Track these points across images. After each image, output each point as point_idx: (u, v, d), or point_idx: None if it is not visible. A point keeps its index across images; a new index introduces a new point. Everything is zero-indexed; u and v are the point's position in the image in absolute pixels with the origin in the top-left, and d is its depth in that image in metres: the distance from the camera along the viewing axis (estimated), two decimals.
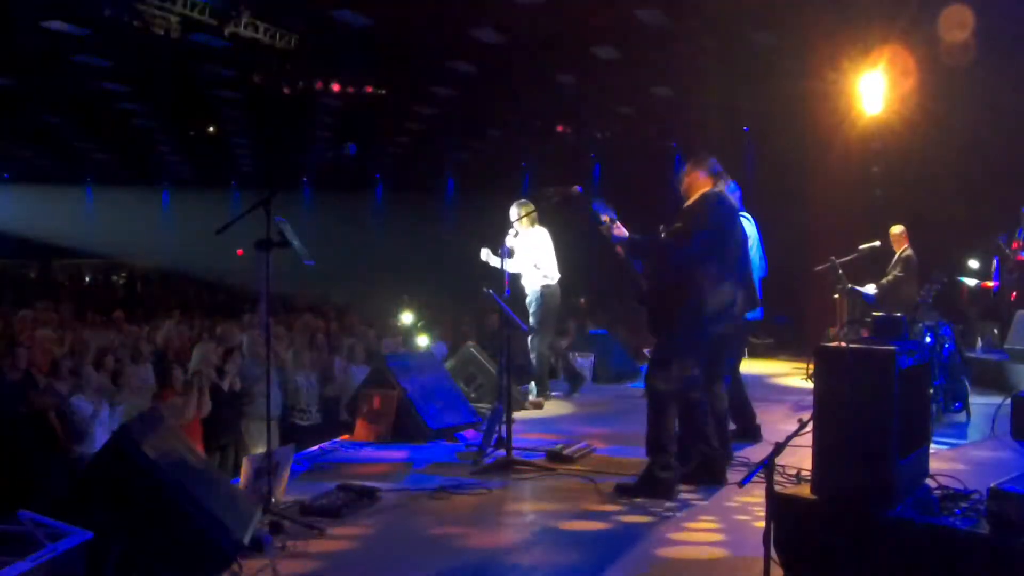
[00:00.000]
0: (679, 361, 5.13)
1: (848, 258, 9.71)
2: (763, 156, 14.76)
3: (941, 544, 3.18)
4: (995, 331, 10.42)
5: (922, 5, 9.13)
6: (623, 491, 5.05)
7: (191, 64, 13.28)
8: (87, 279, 29.44)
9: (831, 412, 3.53)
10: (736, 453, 5.81)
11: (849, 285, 9.63)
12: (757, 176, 14.29)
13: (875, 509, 3.35)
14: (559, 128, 17.80)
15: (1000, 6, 9.02)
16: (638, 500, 4.92)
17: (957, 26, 9.20)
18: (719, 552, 4.16)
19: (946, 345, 7.49)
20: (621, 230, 5.19)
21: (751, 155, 15.04)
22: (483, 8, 10.87)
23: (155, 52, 12.22)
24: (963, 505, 3.34)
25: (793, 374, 10.62)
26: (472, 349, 8.44)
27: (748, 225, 6.27)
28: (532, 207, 7.91)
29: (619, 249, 5.29)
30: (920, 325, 7.31)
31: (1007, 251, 10.02)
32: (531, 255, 8.14)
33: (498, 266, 7.90)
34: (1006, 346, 9.37)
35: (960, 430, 7.13)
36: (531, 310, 8.28)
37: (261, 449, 4.91)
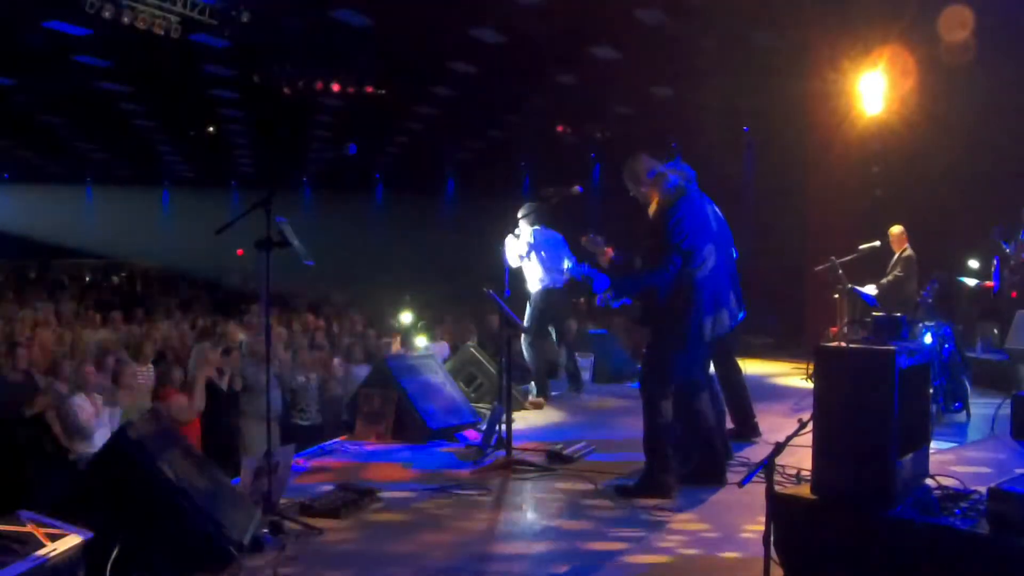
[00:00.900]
0: (679, 368, 5.12)
1: (848, 258, 9.71)
2: (763, 156, 14.76)
3: (941, 544, 3.18)
4: (995, 331, 10.41)
5: (922, 5, 9.14)
6: (623, 491, 5.05)
7: (191, 64, 13.28)
8: (87, 279, 29.44)
9: (831, 412, 3.53)
10: (736, 453, 5.80)
11: (849, 285, 9.63)
12: (757, 176, 14.31)
13: (875, 509, 3.35)
14: (559, 128, 17.80)
15: (1000, 6, 9.02)
16: (638, 500, 4.92)
17: (957, 26, 9.20)
18: (719, 552, 4.16)
19: (946, 345, 7.48)
20: (601, 279, 5.12)
21: (751, 155, 15.04)
22: (483, 8, 10.87)
23: (155, 52, 12.22)
24: (963, 505, 3.34)
25: (793, 374, 10.61)
26: (472, 349, 8.43)
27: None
28: (533, 208, 7.94)
29: (606, 296, 5.22)
30: (920, 325, 7.31)
31: (1007, 250, 10.01)
32: (524, 257, 8.14)
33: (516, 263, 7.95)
34: (1006, 346, 9.36)
35: (960, 430, 7.13)
36: (528, 312, 8.31)
37: (261, 449, 4.92)
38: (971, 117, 10.96)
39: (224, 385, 8.46)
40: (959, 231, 11.57)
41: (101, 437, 6.85)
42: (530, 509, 5.00)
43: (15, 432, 7.11)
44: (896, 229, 10.14)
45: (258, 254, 4.59)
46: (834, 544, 3.45)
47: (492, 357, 8.10)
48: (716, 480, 5.21)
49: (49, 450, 7.17)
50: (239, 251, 21.07)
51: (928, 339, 7.23)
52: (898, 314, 4.28)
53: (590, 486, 5.27)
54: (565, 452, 5.96)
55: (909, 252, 10.06)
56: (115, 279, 29.24)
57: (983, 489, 3.24)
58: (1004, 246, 9.96)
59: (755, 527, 3.65)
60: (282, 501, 4.68)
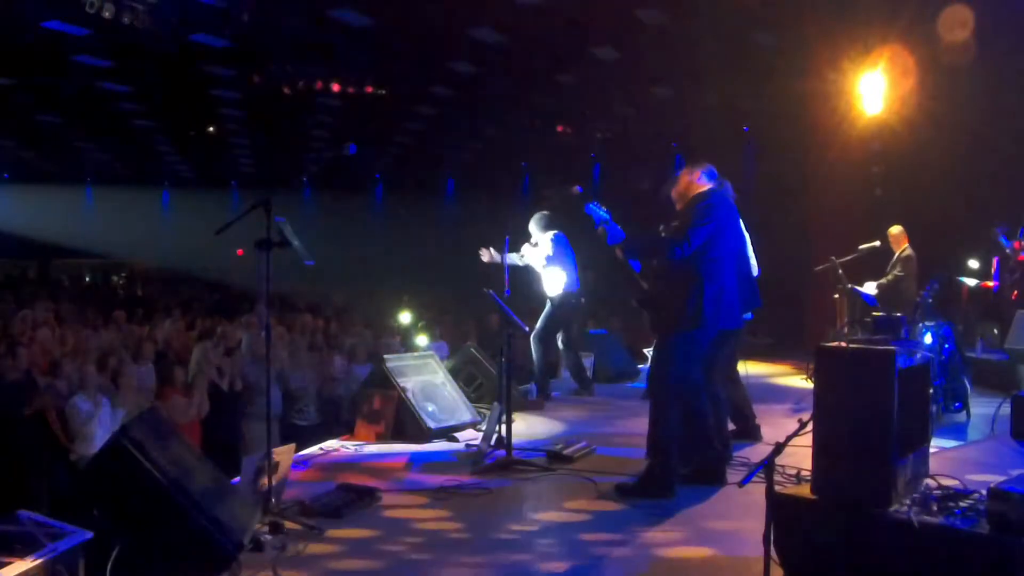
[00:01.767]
0: (681, 360, 5.13)
1: (848, 258, 9.72)
2: (763, 156, 14.76)
3: (941, 544, 3.18)
4: (995, 331, 10.42)
5: (922, 5, 9.13)
6: (623, 491, 5.05)
7: (191, 64, 13.28)
8: (87, 279, 29.46)
9: (831, 412, 3.54)
10: (736, 453, 5.80)
11: (849, 285, 9.63)
12: (757, 176, 14.31)
13: (875, 509, 3.35)
14: (559, 128, 17.80)
15: (1000, 6, 9.02)
16: (638, 500, 4.92)
17: (957, 26, 9.20)
18: (719, 552, 4.16)
19: (946, 345, 7.49)
20: (616, 232, 5.18)
21: (751, 155, 15.04)
22: (483, 8, 10.86)
23: (155, 52, 12.22)
24: (963, 505, 3.34)
25: (793, 374, 10.62)
26: (472, 349, 8.44)
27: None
28: (545, 216, 8.03)
29: (616, 251, 5.27)
30: (920, 325, 7.31)
31: (1007, 250, 10.01)
32: (546, 262, 8.24)
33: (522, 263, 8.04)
34: (1006, 346, 9.36)
35: (960, 430, 7.13)
36: (543, 313, 8.39)
37: (261, 449, 4.91)
38: (971, 117, 10.97)
39: (225, 385, 8.47)
40: (959, 231, 11.57)
41: (101, 437, 6.86)
42: (530, 509, 5.00)
43: (15, 432, 7.12)
44: (895, 229, 10.15)
45: (258, 254, 4.59)
46: (834, 544, 3.45)
47: (492, 357, 8.11)
48: (716, 480, 5.22)
49: (49, 450, 7.18)
50: (239, 251, 21.07)
51: (928, 339, 7.23)
52: (898, 314, 4.29)
53: (590, 485, 5.27)
54: (565, 452, 5.96)
55: (909, 252, 10.07)
56: (115, 279, 29.28)
57: (983, 489, 3.24)
58: (1004, 242, 9.95)
59: (755, 527, 3.65)
60: (282, 501, 4.68)
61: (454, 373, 7.84)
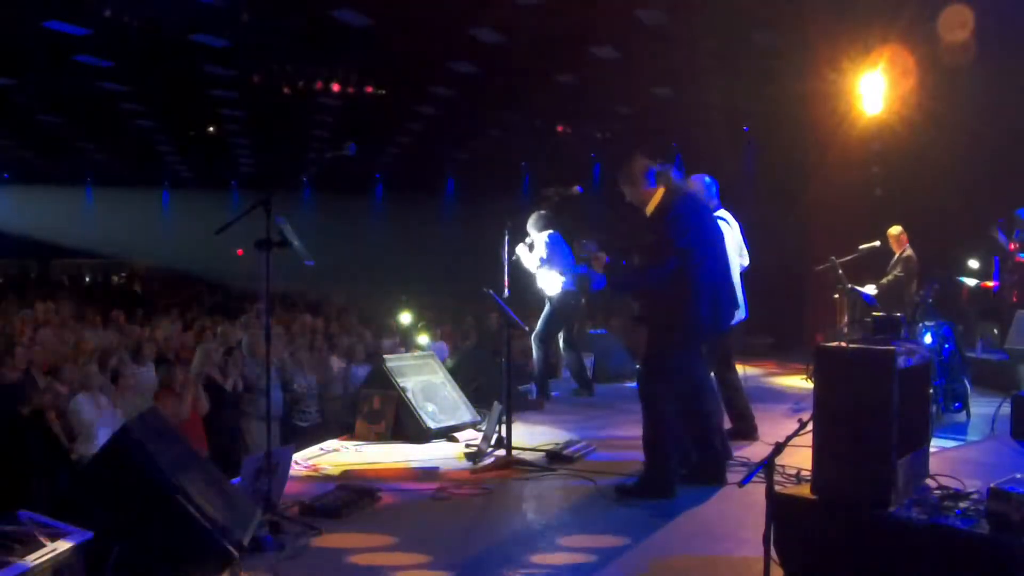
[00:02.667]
0: (677, 367, 5.12)
1: (848, 258, 9.71)
2: (763, 156, 14.76)
3: (941, 544, 3.18)
4: (995, 331, 10.42)
5: (922, 5, 9.13)
6: (623, 492, 5.05)
7: (191, 64, 13.28)
8: (87, 279, 29.45)
9: (831, 412, 3.54)
10: (736, 453, 5.80)
11: (849, 285, 9.63)
12: (757, 176, 14.31)
13: (875, 509, 3.35)
14: (559, 128, 17.80)
15: (1000, 6, 9.02)
16: (638, 500, 4.92)
17: (957, 26, 9.20)
18: (719, 552, 4.16)
19: (946, 345, 7.49)
20: (598, 280, 5.12)
21: (751, 155, 15.04)
22: (483, 8, 10.86)
23: (155, 52, 12.23)
24: (963, 505, 3.34)
25: (793, 374, 10.62)
26: (472, 349, 8.45)
27: (724, 224, 6.26)
28: (542, 216, 8.03)
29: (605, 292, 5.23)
30: (920, 325, 7.31)
31: (1006, 250, 10.01)
32: (540, 262, 8.24)
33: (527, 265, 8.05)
34: (1006, 346, 9.36)
35: (960, 430, 7.13)
36: (543, 312, 8.39)
37: (261, 449, 4.92)
38: (971, 117, 10.97)
39: (228, 385, 8.47)
40: (959, 231, 11.57)
41: (102, 437, 6.85)
42: (530, 509, 5.00)
43: (15, 432, 7.11)
44: (895, 229, 10.14)
45: (258, 254, 4.59)
46: (834, 544, 3.45)
47: (492, 357, 8.11)
48: (716, 480, 5.21)
49: (49, 450, 7.17)
50: (239, 251, 21.06)
51: (928, 339, 7.24)
52: (898, 314, 4.29)
53: (590, 486, 5.27)
54: (565, 452, 5.96)
55: (909, 252, 10.07)
56: (115, 279, 29.28)
57: (983, 489, 3.24)
58: (1001, 237, 9.94)
59: (755, 527, 3.65)
60: (282, 501, 4.68)
61: (454, 373, 7.84)
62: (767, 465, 3.31)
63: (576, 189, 6.37)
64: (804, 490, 3.67)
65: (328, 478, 5.51)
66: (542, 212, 8.31)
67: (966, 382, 7.72)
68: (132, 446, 3.81)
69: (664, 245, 4.96)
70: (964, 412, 7.53)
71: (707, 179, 6.38)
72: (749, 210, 6.50)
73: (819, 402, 3.57)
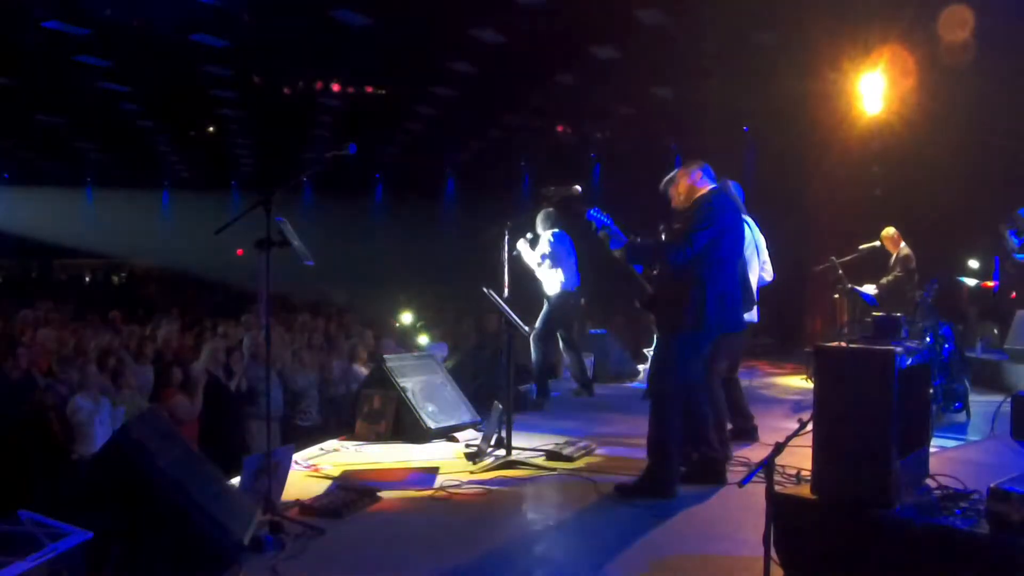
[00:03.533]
0: (683, 361, 5.12)
1: (848, 258, 9.72)
2: (763, 156, 14.75)
3: (941, 544, 3.18)
4: (995, 331, 10.42)
5: (922, 5, 9.13)
6: (623, 491, 5.05)
7: (191, 64, 13.28)
8: (87, 279, 29.45)
9: (831, 412, 3.54)
10: (736, 453, 5.80)
11: (849, 285, 9.64)
12: (757, 176, 14.29)
13: (875, 509, 3.35)
14: (559, 128, 17.80)
15: (1000, 6, 9.01)
16: (638, 500, 4.92)
17: (957, 26, 9.19)
18: (719, 552, 4.16)
19: (946, 345, 7.49)
20: (618, 236, 5.17)
21: (751, 155, 15.03)
22: (483, 8, 10.86)
23: (155, 52, 12.23)
24: (963, 505, 3.34)
25: (793, 374, 10.62)
26: (472, 349, 8.45)
27: (747, 229, 6.27)
28: (550, 212, 8.04)
29: (619, 255, 5.26)
30: (920, 325, 7.31)
31: (1017, 246, 9.98)
32: (541, 260, 8.25)
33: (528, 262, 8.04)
34: (1006, 346, 9.37)
35: (960, 430, 7.13)
36: (542, 312, 8.39)
37: (261, 449, 4.92)
38: (971, 117, 10.97)
39: (232, 385, 8.48)
40: (959, 231, 11.58)
41: (101, 437, 6.85)
42: (530, 509, 5.00)
43: (15, 432, 7.11)
44: (889, 231, 10.12)
45: (258, 254, 4.59)
46: (834, 544, 3.45)
47: (492, 357, 8.11)
48: (716, 480, 5.22)
49: (49, 450, 7.17)
50: (239, 251, 21.05)
51: (928, 339, 7.23)
52: (898, 314, 4.28)
53: (590, 486, 5.27)
54: (565, 452, 5.95)
55: (906, 251, 10.07)
56: (115, 279, 29.28)
57: (983, 489, 3.24)
58: (1011, 237, 9.91)
59: (755, 527, 3.65)
60: (282, 501, 4.68)
61: (454, 373, 7.84)
62: (767, 465, 3.31)
63: (576, 189, 6.37)
64: (804, 490, 3.67)
65: (328, 478, 5.51)
66: (550, 210, 8.28)
67: (966, 382, 7.72)
68: (132, 446, 3.82)
69: (689, 230, 4.99)
70: (964, 412, 7.53)
71: (735, 185, 6.38)
72: (749, 210, 6.49)
73: (819, 402, 3.57)
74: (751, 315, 6.22)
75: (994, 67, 10.10)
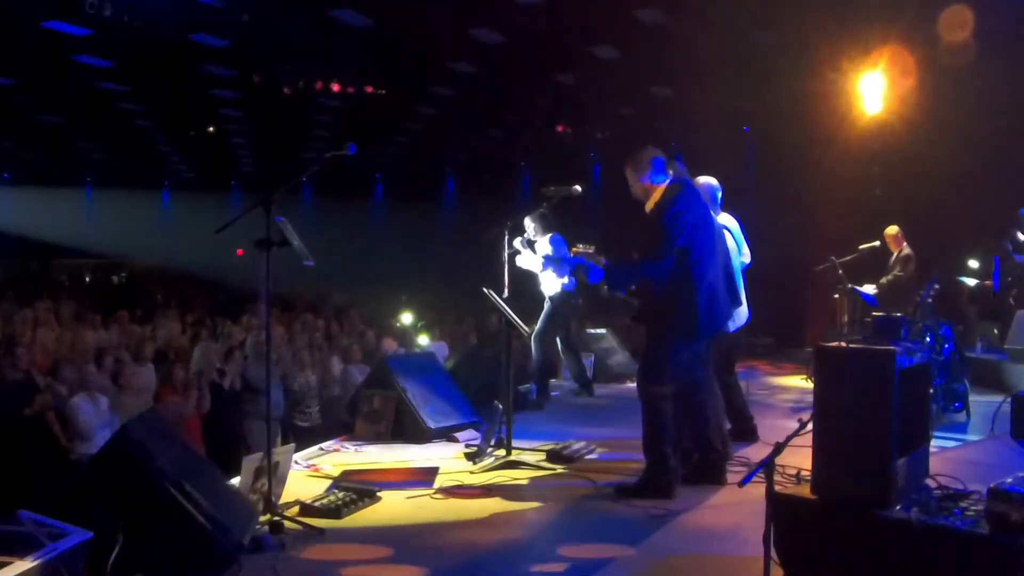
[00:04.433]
0: (675, 365, 5.11)
1: (848, 258, 9.72)
2: (763, 156, 14.75)
3: (941, 544, 3.18)
4: (995, 331, 10.42)
5: (922, 5, 9.13)
6: (623, 492, 5.05)
7: (191, 64, 13.27)
8: (87, 279, 29.44)
9: (831, 412, 3.54)
10: (736, 453, 5.80)
11: (849, 285, 9.64)
12: (757, 176, 14.31)
13: (875, 509, 3.35)
14: (559, 128, 17.79)
15: (1000, 6, 9.01)
16: (638, 501, 4.92)
17: (957, 26, 9.19)
18: (719, 552, 4.16)
19: (946, 345, 7.49)
20: (596, 271, 5.12)
21: (751, 155, 15.04)
22: (483, 8, 10.86)
23: (155, 52, 12.22)
24: (963, 505, 3.34)
25: (793, 374, 10.62)
26: (472, 349, 8.45)
27: (727, 221, 6.27)
28: (542, 215, 8.01)
29: (602, 288, 5.24)
30: (920, 325, 7.31)
31: (1017, 261, 10.00)
32: (545, 262, 8.24)
33: (526, 265, 8.03)
34: (1006, 346, 9.37)
35: (960, 430, 7.13)
36: (542, 313, 8.39)
37: (261, 449, 4.93)
38: (971, 117, 10.97)
39: (225, 384, 8.47)
40: (959, 231, 11.58)
41: (101, 437, 6.86)
42: (530, 510, 5.00)
43: (15, 432, 7.12)
44: (892, 230, 10.14)
45: (258, 254, 4.59)
46: (834, 544, 3.45)
47: (492, 357, 8.11)
48: (716, 480, 5.22)
49: (49, 450, 7.18)
50: (239, 251, 21.06)
51: (928, 339, 7.23)
52: (898, 314, 4.29)
53: (590, 486, 5.27)
54: (565, 452, 5.95)
55: (907, 251, 10.07)
56: (115, 279, 29.27)
57: (983, 489, 3.24)
58: (1016, 259, 9.95)
59: (755, 527, 3.65)
60: (282, 501, 4.68)
61: (454, 373, 7.85)
62: (767, 465, 3.31)
63: (576, 189, 6.37)
64: (804, 490, 3.67)
65: (328, 478, 5.51)
66: (543, 212, 8.24)
67: (966, 382, 7.72)
68: (132, 446, 3.82)
69: (662, 241, 4.95)
70: (964, 412, 7.53)
71: (713, 182, 6.37)
72: (749, 210, 6.50)
73: (819, 402, 3.58)
74: (742, 313, 6.22)
75: (994, 67, 10.10)
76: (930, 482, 3.72)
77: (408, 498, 5.06)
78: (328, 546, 4.21)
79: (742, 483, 3.45)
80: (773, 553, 3.33)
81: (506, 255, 6.39)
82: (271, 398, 5.28)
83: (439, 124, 17.87)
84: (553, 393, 8.80)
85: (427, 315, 13.29)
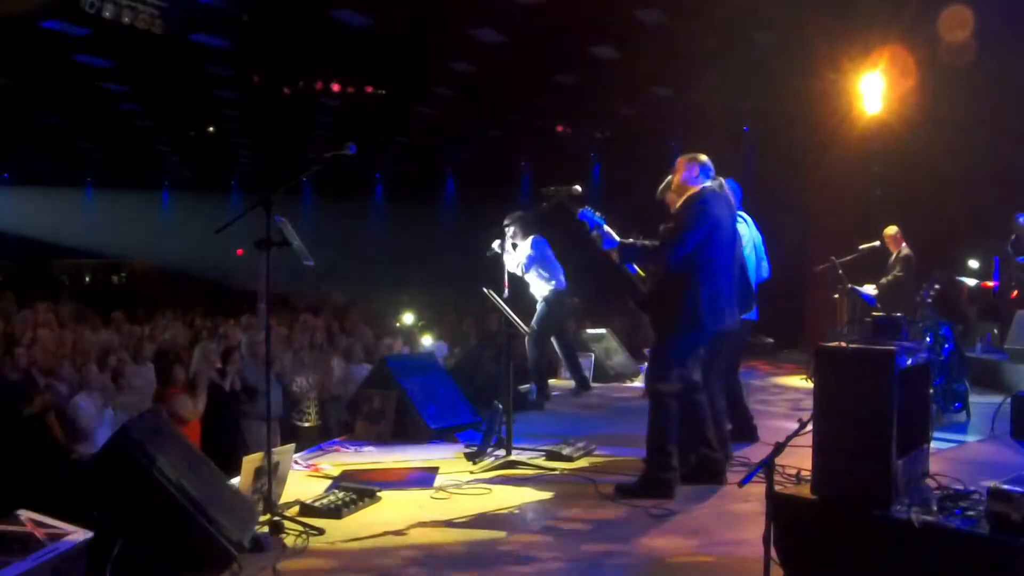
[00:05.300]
0: (679, 361, 5.13)
1: (848, 258, 9.72)
2: (763, 156, 14.75)
3: (941, 544, 3.18)
4: (995, 331, 10.42)
5: (922, 5, 9.13)
6: (623, 491, 5.05)
7: (191, 64, 13.27)
8: (87, 279, 29.44)
9: (831, 412, 3.54)
10: (736, 453, 5.81)
11: (849, 285, 9.64)
12: (757, 176, 14.29)
13: (875, 509, 3.35)
14: (559, 128, 17.79)
15: (1000, 6, 9.01)
16: (638, 500, 4.92)
17: (957, 26, 9.19)
18: (719, 552, 4.16)
19: (946, 345, 7.49)
20: (611, 237, 5.17)
21: (751, 155, 15.04)
22: (483, 8, 10.86)
23: (155, 52, 12.22)
24: (963, 505, 3.34)
25: (793, 374, 10.62)
26: (473, 349, 8.44)
27: (743, 226, 6.26)
28: (522, 217, 7.96)
29: (612, 256, 5.26)
30: (920, 325, 7.31)
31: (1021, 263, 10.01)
32: (529, 263, 8.21)
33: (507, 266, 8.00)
34: (1006, 346, 9.37)
35: (960, 430, 7.13)
36: (536, 314, 8.37)
37: (261, 449, 4.93)
38: (971, 117, 10.96)
39: (225, 385, 8.47)
40: (959, 231, 11.57)
41: (101, 437, 6.85)
42: (530, 509, 5.00)
43: (15, 432, 7.11)
44: (891, 230, 10.13)
45: (258, 254, 4.59)
46: (834, 544, 3.45)
47: (492, 357, 8.10)
48: (716, 480, 5.22)
49: (49, 450, 7.17)
50: (239, 251, 21.06)
51: (928, 339, 7.23)
52: (898, 314, 4.28)
53: (590, 486, 5.27)
54: (565, 452, 5.96)
55: (907, 251, 10.07)
56: (115, 279, 29.28)
57: (983, 489, 3.24)
58: (1018, 260, 9.96)
59: (755, 527, 3.65)
60: (282, 501, 4.68)
61: (454, 373, 7.84)
62: (767, 465, 3.31)
63: (576, 189, 6.37)
64: (804, 490, 3.67)
65: (328, 478, 5.51)
66: (521, 215, 8.15)
67: (966, 382, 7.72)
68: (132, 446, 3.82)
69: (680, 228, 5.00)
70: (964, 412, 7.53)
71: (731, 182, 6.37)
72: (749, 210, 6.49)
73: (819, 402, 3.57)
74: (751, 314, 6.22)
75: (994, 67, 10.10)
76: (930, 482, 3.72)
77: (408, 498, 5.06)
78: (328, 546, 4.21)
79: (742, 483, 3.45)
80: (773, 553, 3.33)
81: (506, 255, 6.39)
82: (270, 398, 5.27)
83: (439, 124, 17.88)
84: (553, 393, 8.80)
85: (427, 315, 13.29)
